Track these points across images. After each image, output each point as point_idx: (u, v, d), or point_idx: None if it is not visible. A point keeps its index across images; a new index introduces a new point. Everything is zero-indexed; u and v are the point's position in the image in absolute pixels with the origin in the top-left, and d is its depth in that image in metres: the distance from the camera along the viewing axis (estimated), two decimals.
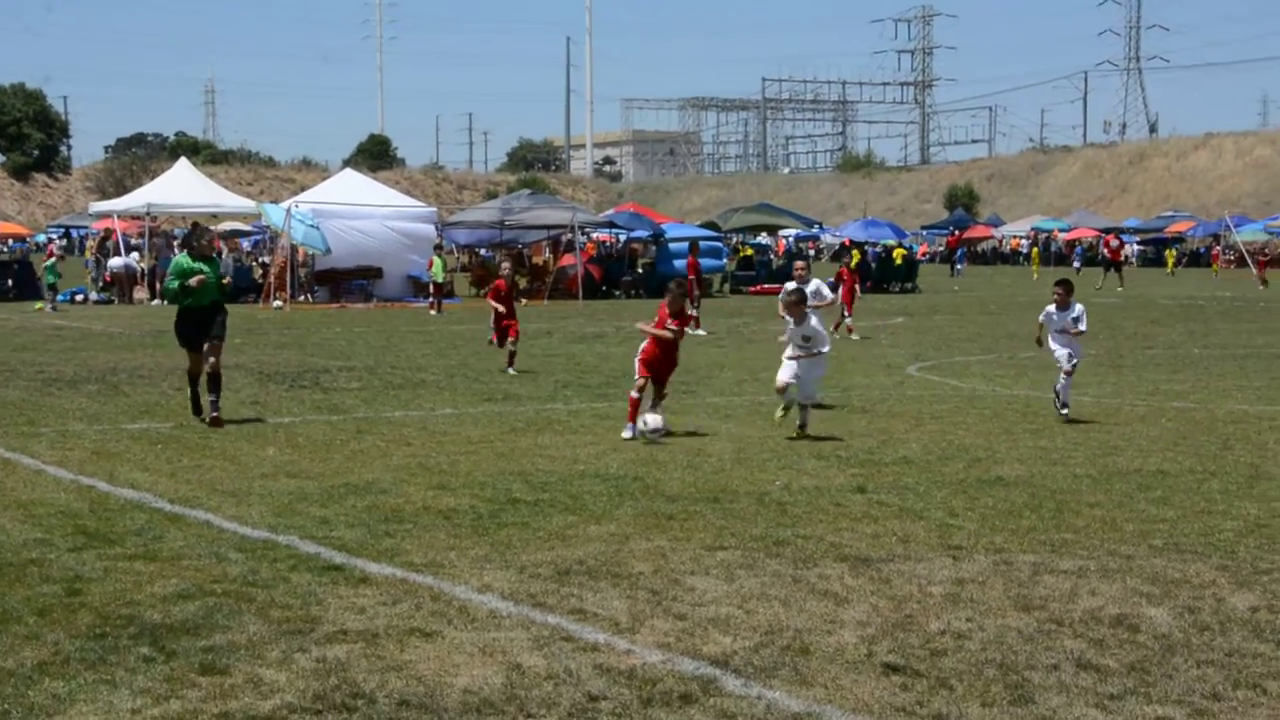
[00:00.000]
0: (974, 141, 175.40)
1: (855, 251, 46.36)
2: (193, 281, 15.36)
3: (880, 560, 9.35)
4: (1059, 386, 16.40)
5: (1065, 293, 16.43)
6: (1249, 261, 68.32)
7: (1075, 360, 16.42)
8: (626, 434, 14.49)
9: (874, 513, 10.96)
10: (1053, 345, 16.61)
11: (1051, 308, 16.53)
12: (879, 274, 56.04)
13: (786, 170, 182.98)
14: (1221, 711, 6.41)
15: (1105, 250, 64.49)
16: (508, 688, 6.64)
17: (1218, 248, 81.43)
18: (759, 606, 8.17)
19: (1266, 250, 71.57)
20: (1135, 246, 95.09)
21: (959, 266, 74.27)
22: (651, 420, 14.28)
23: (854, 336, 29.35)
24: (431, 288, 41.02)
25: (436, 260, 41.51)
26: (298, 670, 6.87)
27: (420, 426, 15.64)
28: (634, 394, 14.79)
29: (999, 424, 16.22)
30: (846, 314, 30.47)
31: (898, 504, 11.30)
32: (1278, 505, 11.31)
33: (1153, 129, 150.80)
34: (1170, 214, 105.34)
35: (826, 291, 19.36)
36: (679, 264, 51.48)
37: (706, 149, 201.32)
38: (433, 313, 38.92)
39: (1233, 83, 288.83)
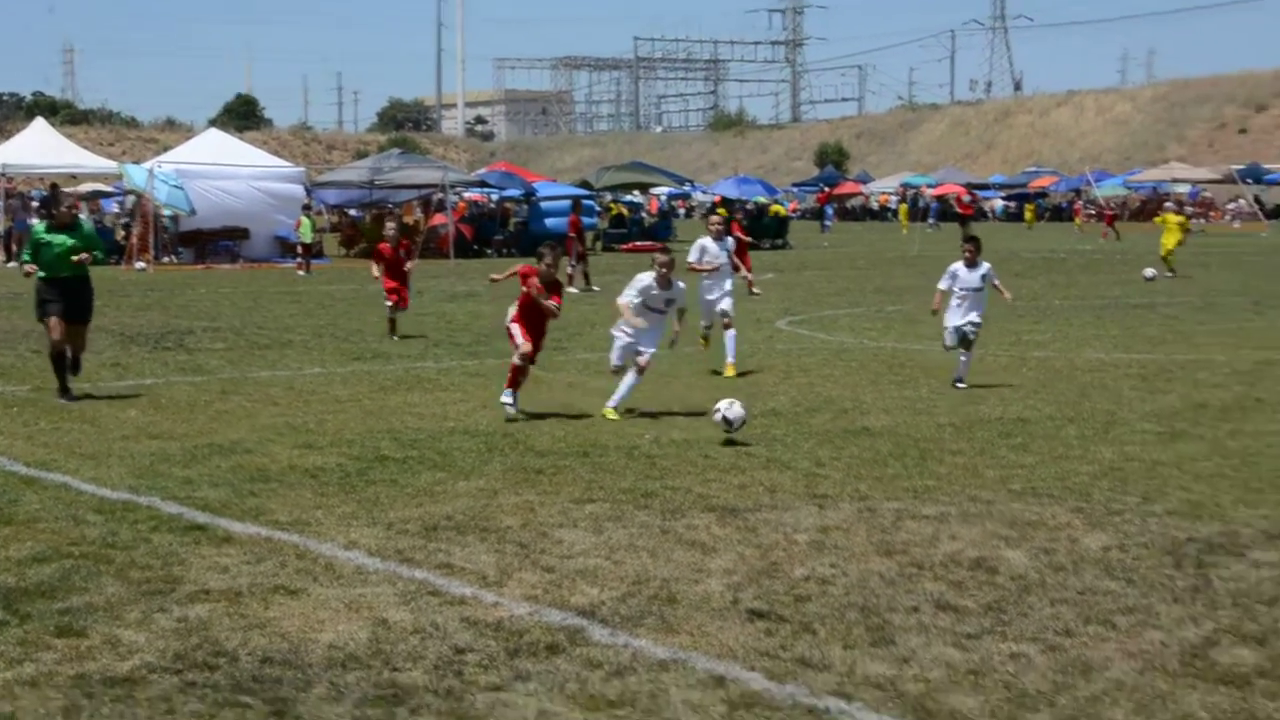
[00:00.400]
0: (844, 100, 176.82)
1: (722, 210, 46.55)
2: (26, 270, 14.71)
3: (747, 510, 9.45)
4: (963, 362, 15.31)
5: (975, 250, 15.40)
6: (1109, 218, 69.71)
7: (973, 332, 15.25)
8: (507, 400, 13.13)
9: (742, 464, 11.06)
10: (947, 319, 15.37)
11: (959, 266, 15.43)
12: (750, 231, 56.31)
13: (659, 129, 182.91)
14: (1073, 647, 6.58)
15: (957, 206, 65.44)
16: (373, 642, 6.60)
17: (1080, 203, 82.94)
18: (626, 557, 8.22)
19: (1112, 205, 72.92)
20: (1000, 202, 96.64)
21: (828, 223, 74.96)
22: (735, 413, 11.96)
23: (755, 291, 29.31)
24: (299, 248, 40.51)
25: (305, 221, 40.99)
26: (157, 630, 6.77)
27: (287, 386, 15.45)
28: (517, 361, 13.30)
29: (865, 375, 16.44)
30: (746, 272, 30.49)
31: (765, 455, 11.41)
32: (1131, 449, 11.61)
33: (1017, 87, 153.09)
34: (1034, 170, 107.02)
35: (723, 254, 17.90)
36: (551, 222, 51.40)
37: (579, 108, 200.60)
38: (301, 273, 38.46)
39: (1094, 41, 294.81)
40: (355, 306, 26.67)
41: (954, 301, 15.42)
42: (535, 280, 13.40)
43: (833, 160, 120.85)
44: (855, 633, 6.81)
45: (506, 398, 13.16)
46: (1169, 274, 34.55)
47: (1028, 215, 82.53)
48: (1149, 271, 33.52)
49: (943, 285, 15.54)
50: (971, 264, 15.38)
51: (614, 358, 13.88)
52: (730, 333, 16.66)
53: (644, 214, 64.79)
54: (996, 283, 15.46)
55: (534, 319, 13.55)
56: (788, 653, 6.51)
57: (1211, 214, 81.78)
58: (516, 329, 13.48)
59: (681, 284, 13.91)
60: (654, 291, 13.70)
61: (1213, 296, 29.08)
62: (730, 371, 16.33)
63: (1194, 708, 5.79)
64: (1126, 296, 29.51)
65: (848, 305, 27.52)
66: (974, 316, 15.34)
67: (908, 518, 9.22)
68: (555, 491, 10.01)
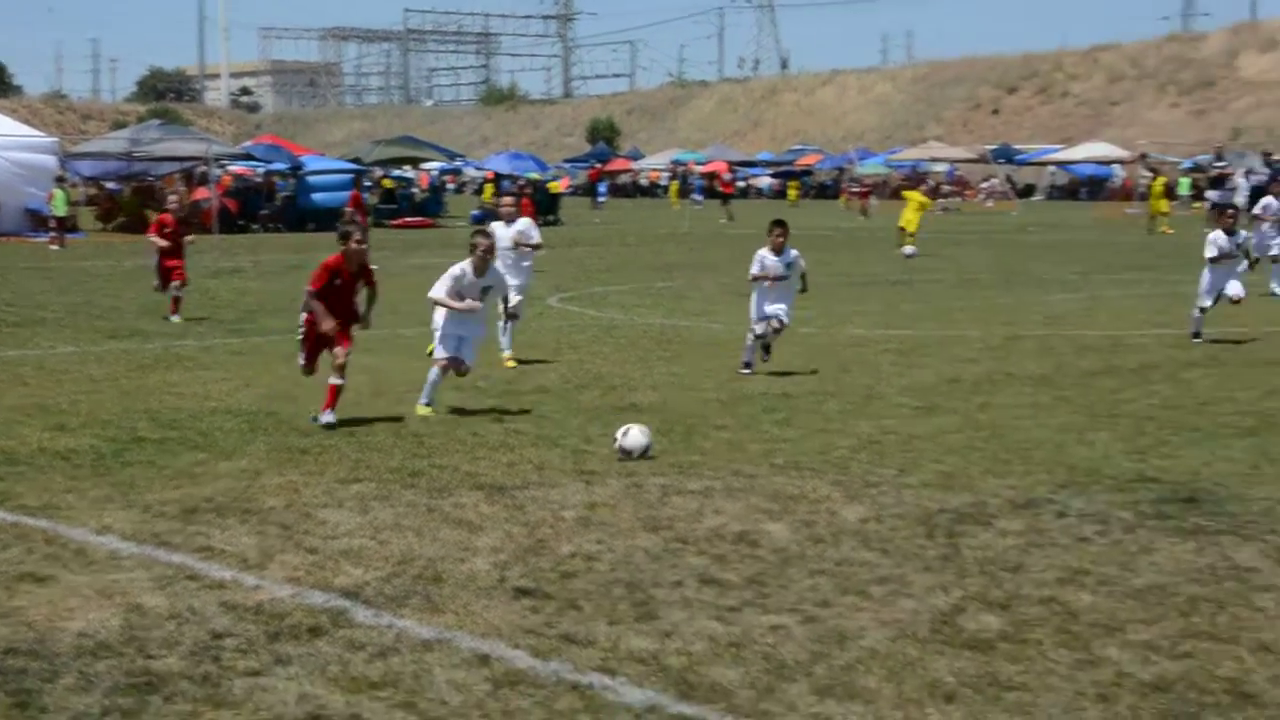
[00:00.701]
0: (615, 76, 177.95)
1: (489, 186, 46.44)
2: None
3: (515, 488, 9.45)
4: (759, 338, 14.79)
5: (785, 233, 14.65)
6: (863, 195, 71.50)
7: (780, 327, 14.73)
8: (327, 419, 11.47)
9: (511, 441, 11.05)
10: (758, 306, 14.78)
11: (765, 252, 14.65)
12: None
13: (430, 103, 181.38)
14: (830, 617, 6.76)
15: (718, 184, 66.48)
16: (126, 629, 6.42)
17: (845, 181, 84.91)
18: (392, 537, 8.15)
19: (864, 183, 74.62)
20: (767, 179, 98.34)
21: (601, 199, 75.32)
22: (631, 442, 10.43)
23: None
24: (52, 222, 39.03)
25: (58, 193, 39.53)
26: None
27: (38, 366, 14.89)
28: (336, 380, 11.58)
29: (634, 352, 16.59)
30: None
31: (534, 432, 11.42)
32: (888, 423, 11.96)
33: (784, 65, 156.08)
34: (800, 148, 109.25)
35: (535, 234, 15.98)
36: (320, 197, 50.56)
37: (348, 80, 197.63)
38: (54, 247, 37.07)
39: (857, 22, 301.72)
40: (112, 283, 25.82)
41: (764, 284, 14.76)
42: (346, 270, 11.68)
43: (604, 136, 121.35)
44: (620, 608, 6.88)
45: (327, 417, 11.47)
46: (906, 249, 35.18)
47: (791, 193, 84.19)
48: (908, 249, 34.51)
49: (755, 270, 14.80)
50: (778, 250, 14.63)
51: (440, 351, 12.53)
52: (514, 323, 15.63)
53: (415, 189, 64.12)
54: (803, 273, 14.91)
55: (338, 302, 11.74)
56: (553, 630, 6.54)
57: (966, 193, 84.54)
58: (304, 347, 11.86)
59: (499, 268, 12.86)
60: (468, 280, 12.33)
61: (967, 274, 30.09)
62: (510, 363, 15.53)
63: (942, 673, 6.00)
64: (888, 273, 30.35)
65: (618, 282, 27.71)
66: (783, 307, 14.71)
67: (674, 493, 9.34)
68: (320, 471, 9.86)
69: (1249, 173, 50.53)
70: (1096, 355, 16.43)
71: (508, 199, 16.91)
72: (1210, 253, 17.41)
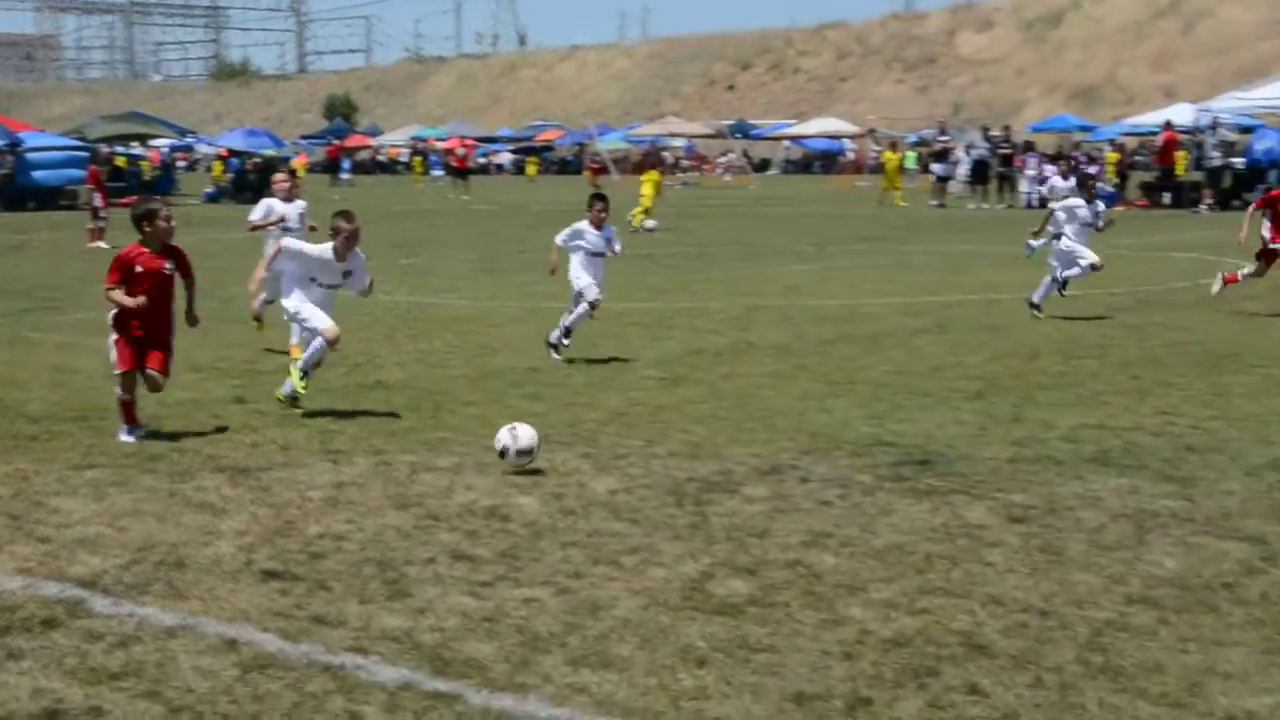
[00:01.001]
0: (351, 51, 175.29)
1: (218, 164, 45.28)
2: None
3: (260, 469, 9.25)
4: (572, 320, 14.20)
5: (606, 208, 14.19)
6: (611, 169, 72.00)
7: (599, 298, 14.19)
8: (125, 438, 10.13)
9: (254, 423, 10.81)
10: (584, 275, 14.20)
11: (585, 226, 14.16)
12: (259, 185, 54.95)
13: (158, 78, 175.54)
14: (583, 588, 6.81)
15: (452, 160, 66.27)
16: None
17: (587, 156, 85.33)
18: (132, 523, 7.88)
19: (597, 159, 75.01)
20: (509, 155, 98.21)
21: (344, 175, 74.24)
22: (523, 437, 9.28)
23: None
24: None
25: None
26: None
27: None
28: (123, 395, 10.24)
29: (380, 330, 16.40)
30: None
31: (278, 413, 11.18)
32: (635, 395, 12.09)
33: (522, 41, 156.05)
34: (540, 124, 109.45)
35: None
36: (41, 175, 48.51)
37: (68, 54, 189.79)
38: None
39: None
40: None
41: (582, 260, 14.24)
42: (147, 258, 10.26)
43: (342, 113, 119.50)
44: (371, 587, 6.80)
45: (124, 435, 10.15)
46: (648, 223, 35.49)
47: (530, 169, 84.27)
48: (650, 223, 34.89)
49: (559, 240, 14.31)
50: (599, 225, 14.14)
51: (296, 337, 11.76)
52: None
53: (144, 166, 62.00)
54: (616, 248, 14.50)
55: (152, 313, 10.22)
56: (303, 611, 6.43)
57: (705, 168, 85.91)
58: (116, 347, 10.24)
59: (362, 253, 11.65)
60: (329, 264, 11.28)
61: (707, 247, 30.59)
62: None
63: (693, 639, 6.10)
64: (631, 248, 30.61)
65: None
66: (599, 284, 14.23)
67: (423, 470, 9.27)
68: (51, 459, 9.47)
69: (970, 147, 52.43)
70: (833, 324, 16.90)
71: (281, 176, 15.92)
72: (1070, 222, 17.57)
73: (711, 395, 12.12)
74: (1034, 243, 18.46)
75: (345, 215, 11.41)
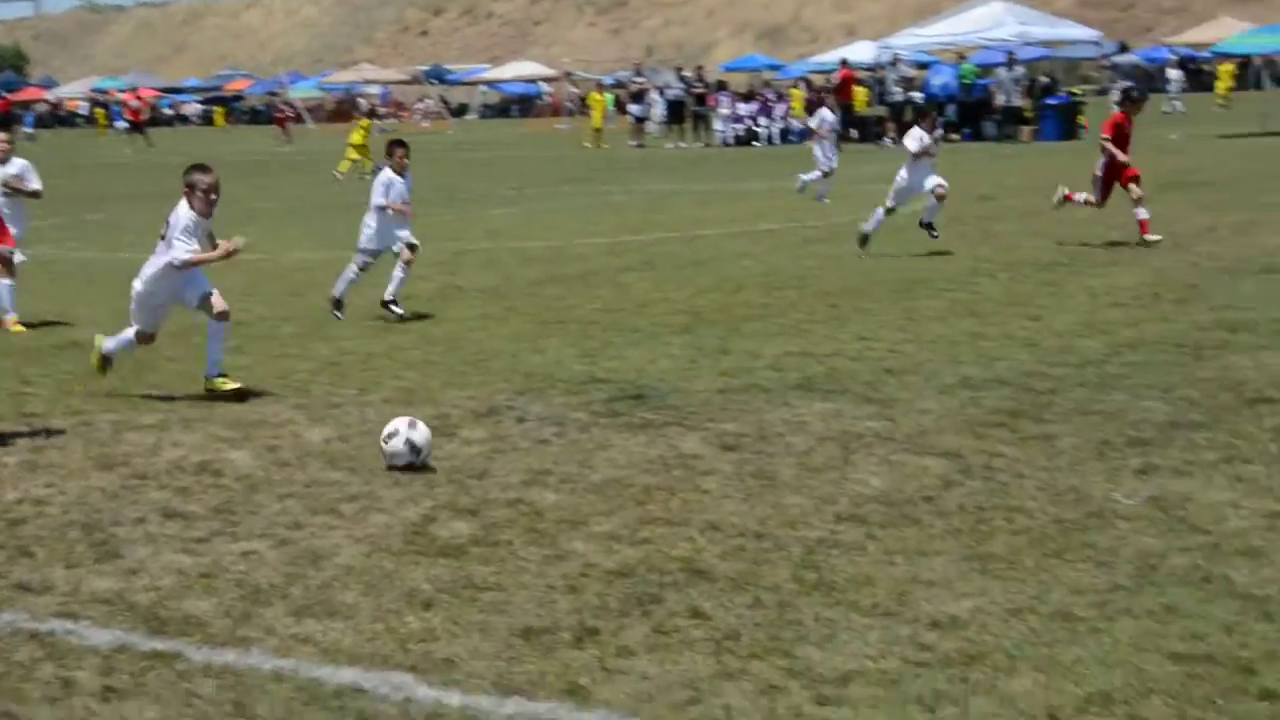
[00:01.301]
0: (18, 0, 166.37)
1: None
2: None
3: None
4: (400, 276, 13.37)
5: (407, 153, 13.43)
6: (306, 118, 70.52)
7: (415, 241, 13.44)
8: None
9: None
10: (390, 226, 13.36)
11: (391, 175, 13.27)
12: None
13: None
14: (303, 538, 6.70)
15: (126, 112, 63.92)
16: None
17: (279, 105, 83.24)
18: None
19: (282, 107, 73.17)
20: (198, 106, 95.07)
21: (29, 129, 70.84)
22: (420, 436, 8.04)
23: None
24: None
25: None
26: None
27: None
28: None
29: (69, 288, 15.75)
30: None
31: None
32: (345, 344, 11.92)
33: None
34: (228, 73, 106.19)
35: (34, 178, 13.81)
36: None
37: None
38: None
39: None
40: None
41: (387, 221, 13.34)
42: None
43: (12, 65, 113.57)
44: (78, 550, 6.55)
45: None
46: (357, 174, 34.89)
47: (218, 119, 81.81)
48: (336, 174, 34.30)
49: (381, 200, 13.27)
50: (401, 170, 13.30)
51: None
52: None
53: None
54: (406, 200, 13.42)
55: None
56: (4, 580, 6.16)
57: (402, 114, 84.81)
58: None
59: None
60: (199, 227, 9.98)
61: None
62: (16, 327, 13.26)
63: (419, 582, 6.07)
64: (320, 197, 30.14)
65: (45, 216, 26.02)
66: (409, 230, 13.48)
67: (127, 429, 8.95)
68: None
69: (664, 89, 53.19)
70: (540, 265, 16.96)
71: (4, 136, 13.96)
72: (913, 147, 17.45)
73: (423, 340, 12.03)
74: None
75: (201, 168, 10.03)
